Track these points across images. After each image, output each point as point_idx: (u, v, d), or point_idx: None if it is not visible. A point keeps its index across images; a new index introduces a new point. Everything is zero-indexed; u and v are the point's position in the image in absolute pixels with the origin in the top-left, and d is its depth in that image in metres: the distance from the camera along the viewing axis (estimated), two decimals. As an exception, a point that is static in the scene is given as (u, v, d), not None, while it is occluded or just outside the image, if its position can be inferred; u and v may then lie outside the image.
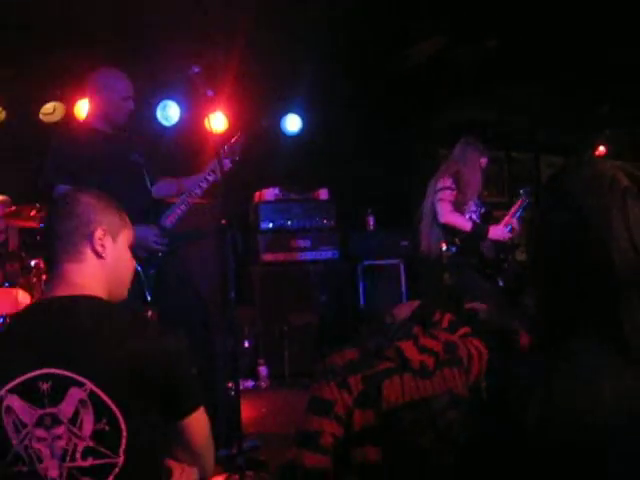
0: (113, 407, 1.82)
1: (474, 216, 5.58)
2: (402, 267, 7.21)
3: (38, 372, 1.82)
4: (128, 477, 1.84)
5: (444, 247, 5.69)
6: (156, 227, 4.15)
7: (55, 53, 6.03)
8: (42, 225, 5.06)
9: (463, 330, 2.78)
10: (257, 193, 7.09)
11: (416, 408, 2.45)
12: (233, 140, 4.34)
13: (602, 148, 7.71)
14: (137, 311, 2.16)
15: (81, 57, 5.56)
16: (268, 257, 6.82)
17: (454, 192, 5.47)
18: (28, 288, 5.48)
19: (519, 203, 5.66)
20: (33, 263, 5.50)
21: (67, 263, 2.00)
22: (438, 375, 2.54)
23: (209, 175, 4.27)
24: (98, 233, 2.04)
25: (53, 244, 2.02)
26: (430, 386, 2.50)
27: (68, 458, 1.84)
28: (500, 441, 1.22)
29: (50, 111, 6.77)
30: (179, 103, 7.05)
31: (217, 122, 6.76)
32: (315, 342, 6.59)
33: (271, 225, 6.92)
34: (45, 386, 1.82)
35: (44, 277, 5.34)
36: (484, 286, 5.47)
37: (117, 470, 1.84)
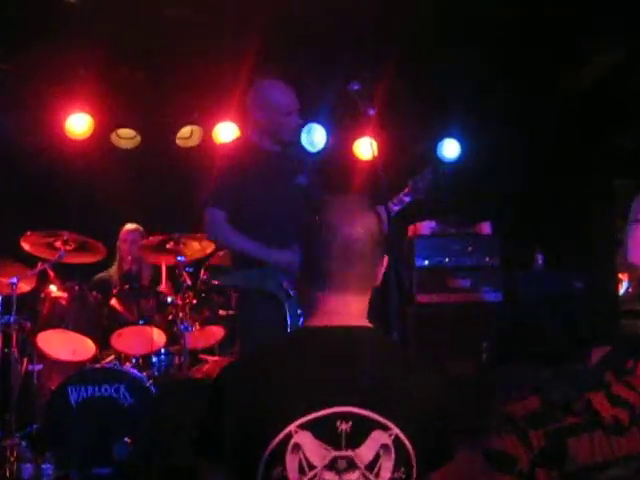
0: (412, 455, 1.87)
1: None
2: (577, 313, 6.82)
3: (337, 409, 1.86)
4: None
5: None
6: None
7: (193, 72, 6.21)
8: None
9: None
10: (411, 227, 7.03)
11: (609, 469, 2.41)
12: (423, 174, 4.43)
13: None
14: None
15: (219, 71, 5.86)
16: (423, 298, 6.75)
17: None
18: (164, 326, 5.63)
19: None
20: (170, 299, 5.63)
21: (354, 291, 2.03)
22: (635, 431, 2.47)
23: (406, 196, 4.37)
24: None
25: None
26: (625, 444, 2.44)
27: None
28: None
29: (187, 135, 6.93)
30: (325, 127, 7.12)
31: (367, 147, 6.75)
32: (475, 393, 6.28)
33: (427, 262, 6.81)
34: (345, 426, 1.85)
35: (181, 314, 5.45)
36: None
37: None
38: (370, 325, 2.00)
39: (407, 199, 4.43)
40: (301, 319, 4.00)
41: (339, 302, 2.00)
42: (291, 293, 4.08)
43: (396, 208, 4.43)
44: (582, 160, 7.40)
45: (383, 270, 2.05)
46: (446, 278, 6.85)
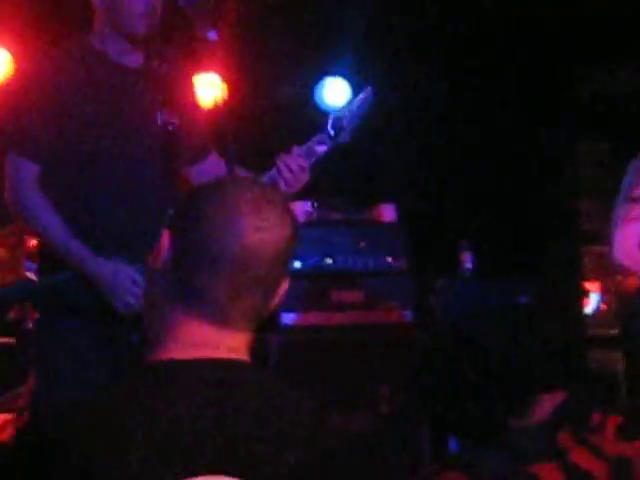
0: None
1: None
2: None
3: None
4: None
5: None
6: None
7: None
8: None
9: None
10: None
11: None
12: (350, 105, 4.05)
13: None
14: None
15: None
16: (292, 319, 5.98)
17: None
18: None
19: None
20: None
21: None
22: None
23: (320, 145, 3.94)
24: None
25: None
26: None
27: None
28: None
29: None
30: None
31: (210, 88, 5.96)
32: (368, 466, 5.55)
33: (298, 265, 6.01)
34: None
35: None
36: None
37: None
38: (249, 362, 1.94)
39: (321, 149, 3.93)
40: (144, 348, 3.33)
41: (213, 334, 1.91)
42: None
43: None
44: (528, 113, 6.96)
45: (282, 295, 1.97)
46: (328, 289, 6.15)
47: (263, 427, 1.84)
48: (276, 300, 1.95)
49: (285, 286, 1.96)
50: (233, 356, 1.90)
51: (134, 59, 3.92)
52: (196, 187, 2.22)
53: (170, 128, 3.98)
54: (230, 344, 1.91)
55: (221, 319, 1.89)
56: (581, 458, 2.39)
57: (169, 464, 1.78)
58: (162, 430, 1.80)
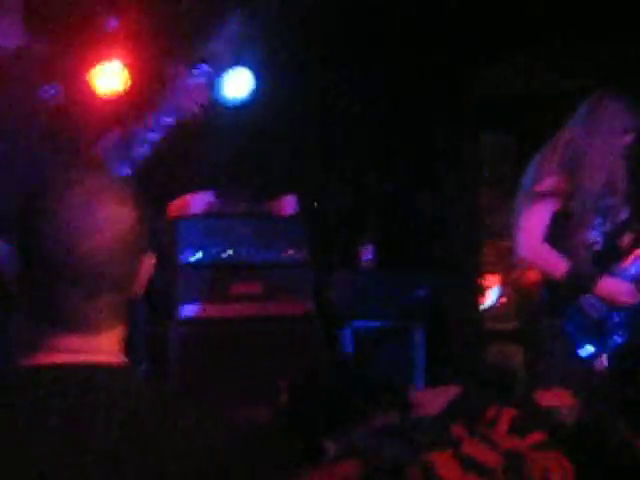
0: None
1: (597, 244, 4.68)
2: (421, 334, 6.38)
3: None
4: None
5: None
6: None
7: None
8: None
9: (535, 437, 2.57)
10: (175, 202, 6.28)
11: None
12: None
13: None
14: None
15: None
16: (191, 310, 5.93)
17: (558, 198, 4.56)
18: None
19: None
20: None
21: None
22: None
23: (166, 115, 3.83)
24: None
25: None
26: None
27: None
28: None
29: None
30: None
31: (111, 75, 5.75)
32: (271, 454, 5.55)
33: (198, 257, 6.03)
34: None
35: None
36: (574, 365, 4.73)
37: None
38: (122, 362, 1.85)
39: (167, 120, 3.84)
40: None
41: (74, 341, 1.82)
42: None
43: (142, 150, 3.88)
44: (431, 107, 7.03)
45: (148, 273, 1.87)
46: (228, 281, 6.14)
47: (124, 429, 1.77)
48: (142, 282, 1.91)
49: (150, 262, 1.90)
50: (100, 359, 1.85)
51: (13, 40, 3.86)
52: (27, 199, 2.00)
53: (52, 105, 3.88)
54: (94, 347, 1.86)
55: (80, 324, 1.83)
56: (474, 449, 2.48)
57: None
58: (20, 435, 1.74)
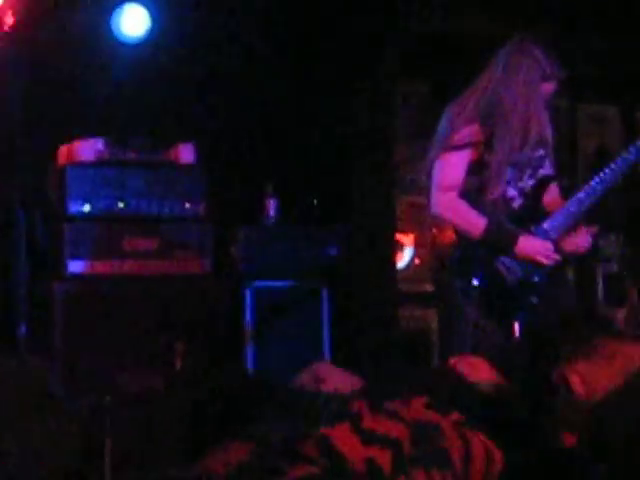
0: None
1: (515, 201, 4.50)
2: (325, 294, 6.16)
3: None
4: None
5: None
6: None
7: None
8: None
9: (455, 416, 2.46)
10: (62, 148, 5.94)
11: None
12: None
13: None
14: None
15: None
16: (79, 267, 5.73)
17: (475, 150, 4.36)
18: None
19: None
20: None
21: None
22: None
23: None
24: None
25: None
26: None
27: None
28: None
29: None
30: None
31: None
32: (163, 426, 4.84)
33: (87, 208, 5.79)
34: None
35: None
36: (490, 334, 4.52)
37: None
38: None
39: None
40: None
41: None
42: None
43: None
44: (343, 57, 6.63)
45: None
46: (119, 235, 5.92)
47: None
48: None
49: None
50: None
51: None
52: None
53: None
54: None
55: None
56: (376, 424, 2.39)
57: None
58: None
